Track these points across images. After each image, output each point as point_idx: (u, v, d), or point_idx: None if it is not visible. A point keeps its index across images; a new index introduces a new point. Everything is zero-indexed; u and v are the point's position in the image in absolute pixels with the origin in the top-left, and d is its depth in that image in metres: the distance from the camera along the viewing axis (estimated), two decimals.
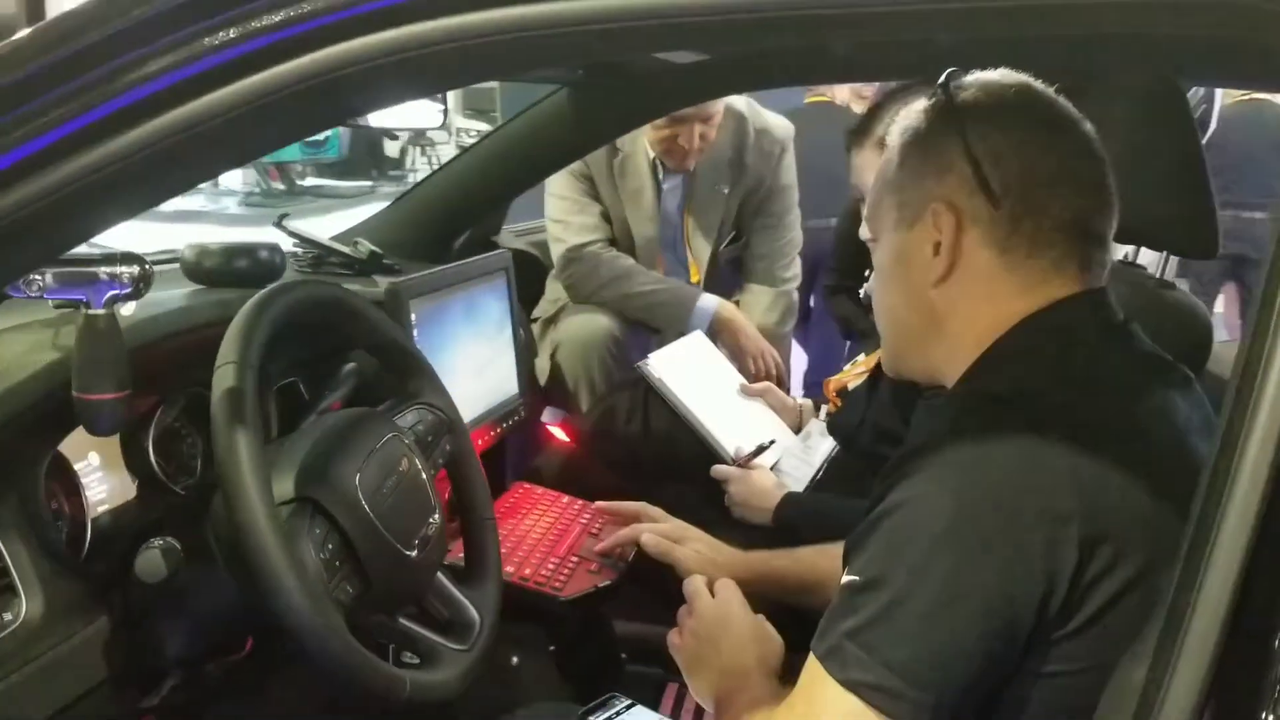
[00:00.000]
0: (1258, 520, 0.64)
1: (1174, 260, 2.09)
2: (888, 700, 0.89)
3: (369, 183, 12.23)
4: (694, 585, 1.36)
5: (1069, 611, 0.89)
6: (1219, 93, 4.89)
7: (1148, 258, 1.97)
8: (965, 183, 1.03)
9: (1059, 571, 0.87)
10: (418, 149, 12.02)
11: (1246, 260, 5.80)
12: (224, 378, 1.04)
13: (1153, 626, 0.71)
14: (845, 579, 0.95)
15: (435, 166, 11.25)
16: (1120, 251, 2.13)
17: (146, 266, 0.93)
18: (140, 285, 0.92)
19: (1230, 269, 5.89)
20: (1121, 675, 0.75)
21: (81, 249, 0.91)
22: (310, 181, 12.10)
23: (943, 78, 1.09)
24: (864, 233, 1.17)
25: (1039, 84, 1.08)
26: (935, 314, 1.08)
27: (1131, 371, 1.03)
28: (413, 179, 11.62)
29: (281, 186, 11.43)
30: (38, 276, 0.92)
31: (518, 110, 2.23)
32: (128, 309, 0.96)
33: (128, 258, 0.91)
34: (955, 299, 1.06)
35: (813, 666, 0.95)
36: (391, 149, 12.83)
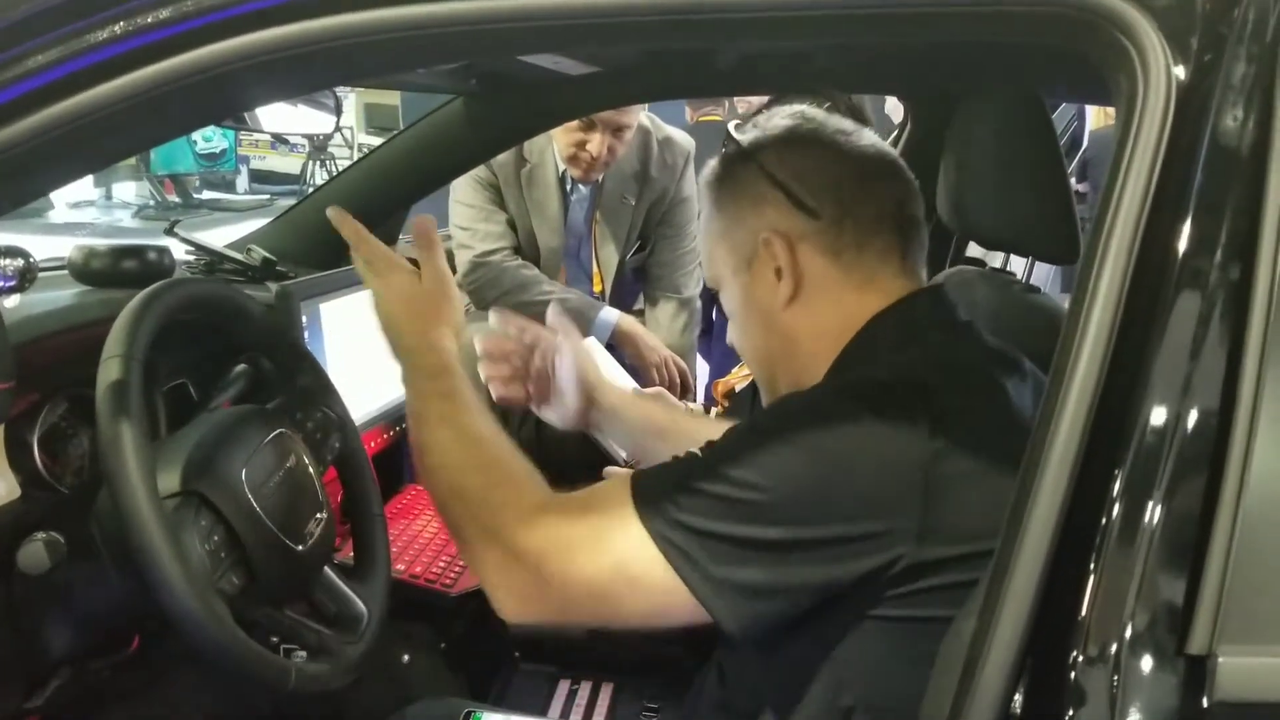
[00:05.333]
0: (1069, 484, 0.71)
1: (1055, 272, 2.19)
2: (684, 563, 0.94)
3: (266, 196, 11.97)
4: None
5: (915, 576, 0.92)
6: (1089, 115, 5.07)
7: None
8: (781, 206, 1.11)
9: (898, 546, 0.92)
10: (317, 163, 11.81)
11: None
12: (109, 371, 1.05)
13: (983, 584, 0.77)
14: (720, 443, 1.00)
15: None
16: (996, 259, 2.23)
17: (30, 260, 0.94)
18: (24, 278, 0.93)
19: None
20: (956, 627, 0.80)
21: None
22: (206, 194, 11.80)
23: (724, 135, 1.18)
24: (710, 283, 1.24)
25: (810, 107, 1.19)
26: (791, 334, 1.15)
27: (975, 364, 1.08)
28: None
29: (177, 199, 11.10)
30: None
31: None
32: (11, 301, 0.96)
33: (11, 251, 0.92)
34: (806, 315, 1.13)
35: (623, 494, 1.00)
36: (271, 163, 12.48)
